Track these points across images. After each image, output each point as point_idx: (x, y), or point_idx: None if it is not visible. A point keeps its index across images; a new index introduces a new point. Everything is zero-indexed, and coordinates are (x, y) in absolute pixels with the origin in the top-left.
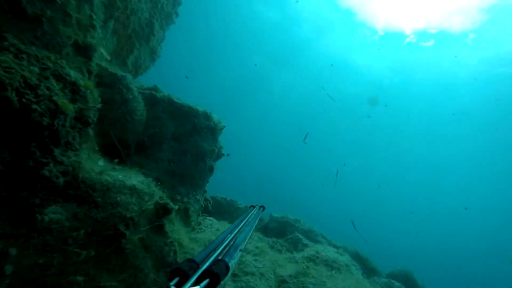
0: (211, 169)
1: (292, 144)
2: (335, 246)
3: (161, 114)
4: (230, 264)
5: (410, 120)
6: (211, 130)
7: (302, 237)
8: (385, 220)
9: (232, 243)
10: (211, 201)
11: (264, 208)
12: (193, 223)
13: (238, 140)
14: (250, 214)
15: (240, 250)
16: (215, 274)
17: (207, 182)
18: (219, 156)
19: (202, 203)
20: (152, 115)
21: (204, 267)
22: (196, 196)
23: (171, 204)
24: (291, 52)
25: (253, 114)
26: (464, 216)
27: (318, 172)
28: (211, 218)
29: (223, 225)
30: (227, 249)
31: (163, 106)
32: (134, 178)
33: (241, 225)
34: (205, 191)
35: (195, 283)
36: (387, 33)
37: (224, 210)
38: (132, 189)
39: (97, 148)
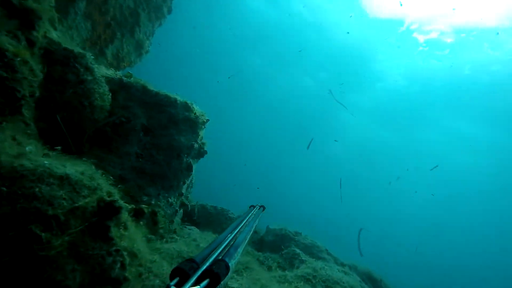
0: (189, 168)
1: (296, 149)
2: (342, 264)
3: (131, 102)
4: (230, 264)
5: (424, 129)
6: (191, 122)
7: (300, 252)
8: (395, 231)
9: (232, 242)
10: (189, 206)
11: (264, 208)
12: (161, 231)
13: (237, 143)
14: (250, 214)
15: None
16: (215, 274)
17: (184, 183)
18: (200, 153)
19: (177, 208)
20: (119, 102)
21: (204, 267)
22: (169, 198)
23: (121, 202)
24: (296, 50)
25: (253, 116)
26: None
27: (325, 182)
28: (192, 227)
29: (206, 236)
30: (227, 249)
31: (134, 94)
32: (71, 167)
33: (241, 225)
34: (181, 194)
35: (195, 283)
36: (400, 38)
37: (213, 220)
38: (64, 179)
39: (32, 132)
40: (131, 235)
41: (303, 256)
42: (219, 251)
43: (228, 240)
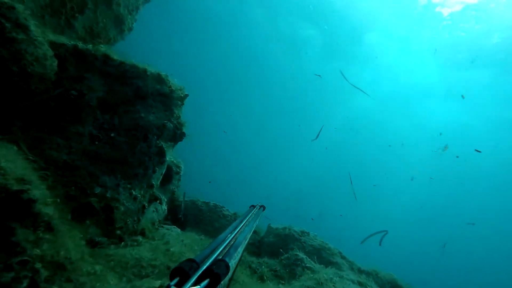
0: (161, 153)
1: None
2: (359, 271)
3: (87, 73)
4: (230, 264)
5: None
6: (164, 98)
7: (303, 256)
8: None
9: (232, 242)
10: (163, 201)
11: (264, 208)
12: (119, 232)
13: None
14: (250, 214)
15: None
16: (215, 274)
17: (155, 172)
18: (177, 135)
19: (144, 203)
20: (70, 72)
21: (205, 267)
22: (132, 190)
23: (36, 193)
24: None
25: (255, 104)
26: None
27: (334, 177)
28: (172, 227)
29: (185, 238)
30: (227, 249)
31: (91, 63)
32: None
33: (241, 225)
34: (151, 185)
35: (196, 283)
36: (422, 13)
37: (203, 218)
38: None
39: None
40: (58, 239)
41: (308, 262)
42: (219, 251)
43: (228, 240)
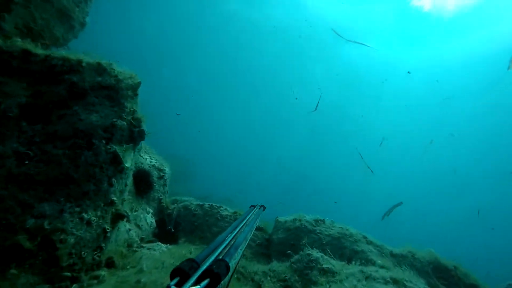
0: (116, 160)
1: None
2: (392, 255)
3: (1, 77)
4: (230, 264)
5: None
6: (110, 90)
7: (318, 255)
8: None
9: (232, 242)
10: (150, 213)
11: (264, 208)
12: (67, 273)
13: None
14: (250, 214)
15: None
16: (215, 274)
17: (112, 185)
18: (135, 134)
19: (105, 226)
20: None
21: (205, 266)
22: (83, 214)
23: None
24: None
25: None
26: None
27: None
28: (155, 244)
29: (167, 258)
30: (227, 249)
31: (6, 62)
32: None
33: (241, 225)
34: (110, 202)
35: (196, 283)
36: None
37: (199, 224)
38: None
39: None
40: None
41: (324, 262)
42: (219, 251)
43: (228, 240)
